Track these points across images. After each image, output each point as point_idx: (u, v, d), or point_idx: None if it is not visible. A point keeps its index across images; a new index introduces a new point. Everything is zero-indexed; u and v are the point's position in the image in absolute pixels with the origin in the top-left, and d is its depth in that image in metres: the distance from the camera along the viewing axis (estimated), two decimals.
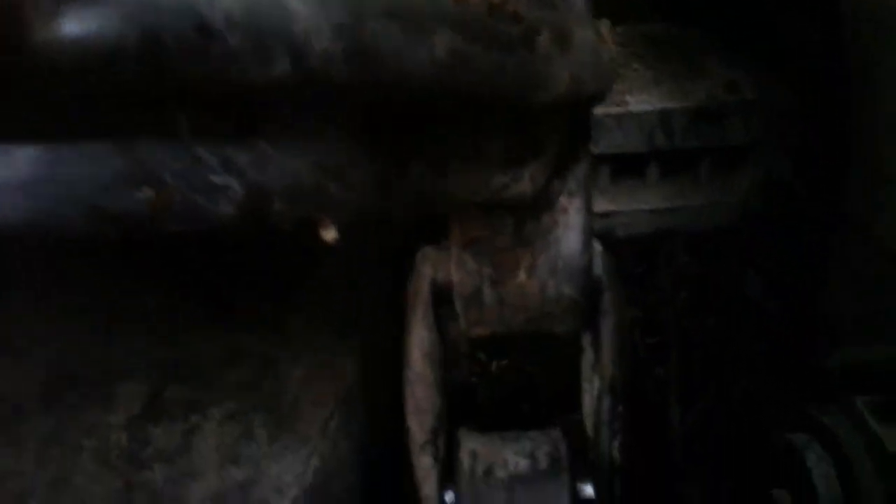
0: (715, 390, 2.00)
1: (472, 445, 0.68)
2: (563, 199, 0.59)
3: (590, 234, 0.60)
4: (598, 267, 0.64)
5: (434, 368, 0.65)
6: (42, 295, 0.54)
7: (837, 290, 1.33)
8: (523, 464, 0.67)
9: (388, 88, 0.38)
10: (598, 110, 1.39)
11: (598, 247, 0.64)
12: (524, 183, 0.54)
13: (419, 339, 0.64)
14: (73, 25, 0.30)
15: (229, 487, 0.60)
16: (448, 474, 0.67)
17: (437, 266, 0.64)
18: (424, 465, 0.65)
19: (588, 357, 0.68)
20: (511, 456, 0.68)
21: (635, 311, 2.20)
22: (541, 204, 0.58)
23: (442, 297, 0.64)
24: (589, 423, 0.68)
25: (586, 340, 0.68)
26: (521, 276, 0.60)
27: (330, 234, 0.42)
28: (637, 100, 1.44)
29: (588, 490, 0.68)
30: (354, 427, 0.66)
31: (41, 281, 0.54)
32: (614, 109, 1.41)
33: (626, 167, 1.40)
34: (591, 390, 0.68)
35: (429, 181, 0.48)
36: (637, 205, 1.46)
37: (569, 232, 0.59)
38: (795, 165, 1.41)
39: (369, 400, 0.69)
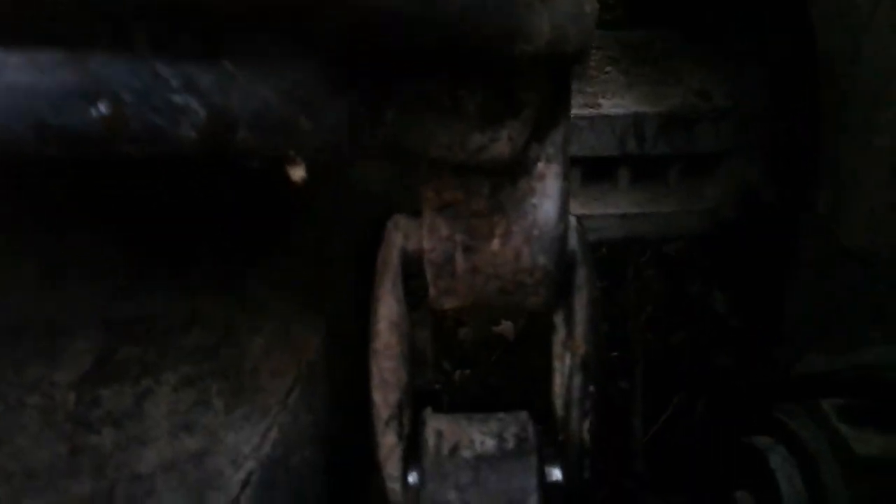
0: (679, 403, 2.01)
1: (437, 425, 0.66)
2: (540, 165, 0.57)
3: (567, 202, 0.59)
4: (573, 241, 0.63)
5: (401, 340, 0.62)
6: None
7: (803, 295, 1.34)
8: (490, 444, 0.65)
9: (360, 13, 0.36)
10: (572, 111, 1.39)
11: (573, 220, 0.63)
12: (502, 144, 0.52)
13: (387, 310, 0.62)
14: None
15: (182, 456, 0.57)
16: (412, 454, 0.64)
17: (408, 234, 0.61)
18: (388, 443, 0.63)
19: (560, 334, 0.66)
20: (477, 436, 0.65)
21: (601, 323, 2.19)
22: (518, 169, 0.56)
23: (411, 266, 0.62)
24: (559, 404, 0.66)
25: (558, 318, 0.66)
26: (495, 243, 0.58)
27: (298, 173, 0.40)
28: (610, 103, 1.44)
29: (556, 473, 0.66)
30: (316, 402, 0.63)
31: None
32: (587, 111, 1.41)
33: (597, 171, 1.39)
34: (562, 369, 0.66)
35: (403, 129, 0.46)
36: (608, 209, 1.46)
37: (545, 199, 0.58)
38: (765, 172, 1.42)
39: (332, 375, 0.66)
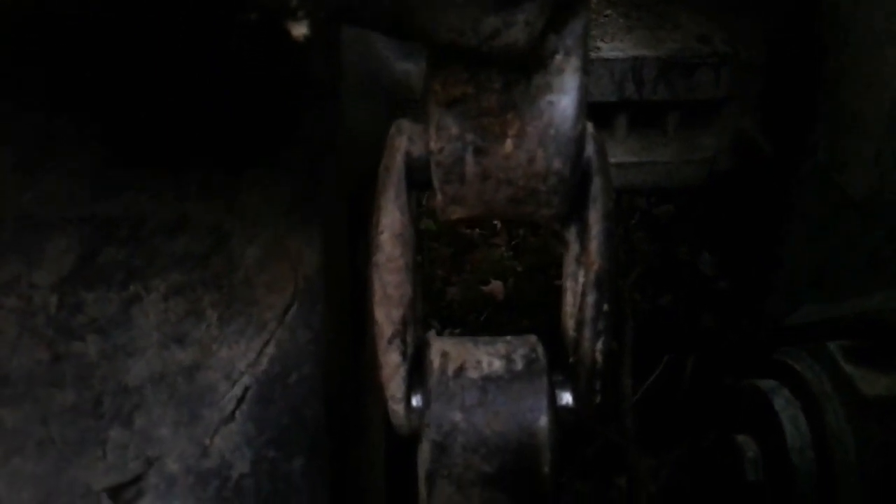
0: (668, 363, 2.00)
1: (442, 346, 0.62)
2: (558, 58, 0.53)
3: (585, 101, 0.55)
4: (590, 147, 0.59)
5: (406, 253, 0.58)
6: None
7: (800, 245, 1.32)
8: (498, 364, 0.61)
9: None
10: None
11: (590, 126, 0.59)
12: (517, 29, 0.48)
13: (390, 221, 0.58)
14: None
15: (173, 369, 0.53)
16: (416, 375, 0.61)
17: (413, 139, 0.57)
18: (391, 362, 0.59)
19: (572, 251, 0.62)
20: (485, 357, 0.62)
21: None
22: (533, 62, 0.52)
23: (416, 174, 0.58)
24: (570, 324, 0.62)
25: (571, 233, 0.63)
26: (508, 144, 0.54)
27: (300, 30, 0.36)
28: (609, 46, 1.40)
29: (567, 397, 0.62)
30: (315, 319, 0.59)
31: None
32: None
33: (594, 118, 1.36)
34: (575, 287, 0.62)
35: (411, 1, 0.42)
36: None
37: (563, 96, 0.54)
38: (763, 121, 1.40)
39: (332, 293, 0.62)
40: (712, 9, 1.42)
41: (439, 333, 2.30)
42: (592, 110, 1.39)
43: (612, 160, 1.44)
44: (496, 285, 2.37)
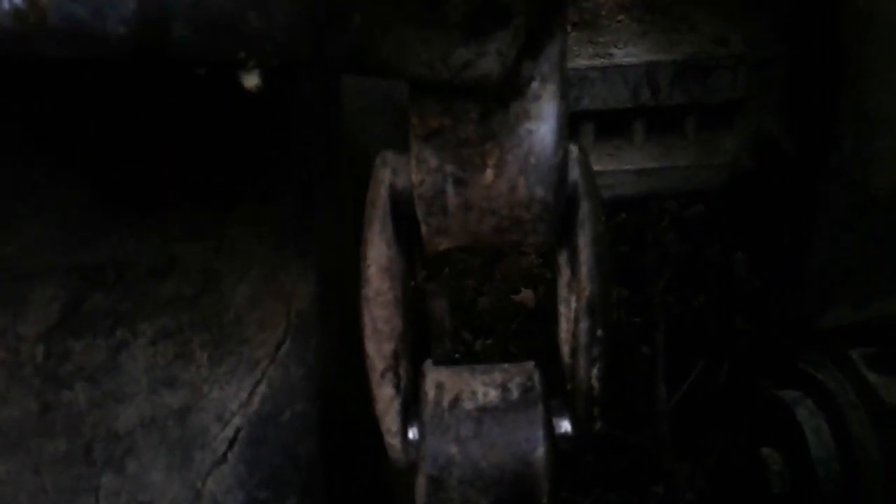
0: (702, 368, 1.96)
1: (437, 377, 0.62)
2: (535, 85, 0.52)
3: (565, 127, 0.54)
4: (575, 171, 0.58)
5: (394, 285, 0.58)
6: None
7: (827, 246, 1.29)
8: (493, 394, 0.60)
9: None
10: (582, 62, 1.34)
11: (574, 149, 0.58)
12: (490, 59, 0.47)
13: (376, 254, 0.57)
14: None
15: (163, 413, 0.54)
16: (412, 408, 0.61)
17: (397, 170, 0.57)
18: (385, 396, 0.59)
19: (564, 276, 0.61)
20: (480, 387, 0.61)
21: (621, 289, 2.17)
22: (509, 90, 0.51)
23: (402, 207, 0.58)
24: (565, 350, 0.62)
25: (562, 259, 0.62)
26: (489, 174, 0.54)
27: (252, 81, 0.36)
28: (623, 52, 1.39)
29: (565, 424, 0.61)
30: (309, 354, 0.59)
31: None
32: (598, 62, 1.36)
33: (610, 125, 1.34)
34: (568, 313, 0.61)
35: (373, 39, 0.42)
36: (622, 165, 1.41)
37: (542, 124, 0.53)
38: (784, 120, 1.37)
39: (326, 326, 0.62)
40: (729, 9, 1.39)
41: (471, 344, 2.29)
42: (609, 117, 1.37)
43: (632, 167, 1.42)
44: (527, 294, 2.36)
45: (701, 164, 1.43)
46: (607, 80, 1.35)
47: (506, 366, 0.63)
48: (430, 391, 0.59)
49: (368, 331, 0.58)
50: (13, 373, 0.51)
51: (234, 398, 0.55)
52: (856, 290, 1.17)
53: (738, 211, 1.77)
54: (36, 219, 0.50)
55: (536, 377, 0.61)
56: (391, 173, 0.57)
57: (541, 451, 0.57)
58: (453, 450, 0.57)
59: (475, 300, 2.33)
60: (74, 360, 0.52)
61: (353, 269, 0.66)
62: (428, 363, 0.63)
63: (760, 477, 1.00)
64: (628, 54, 1.38)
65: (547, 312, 2.27)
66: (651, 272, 2.09)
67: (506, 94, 0.51)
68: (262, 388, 0.56)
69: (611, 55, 1.39)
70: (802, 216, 1.34)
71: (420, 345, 0.62)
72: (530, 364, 0.63)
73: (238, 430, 0.55)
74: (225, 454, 0.54)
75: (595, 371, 0.58)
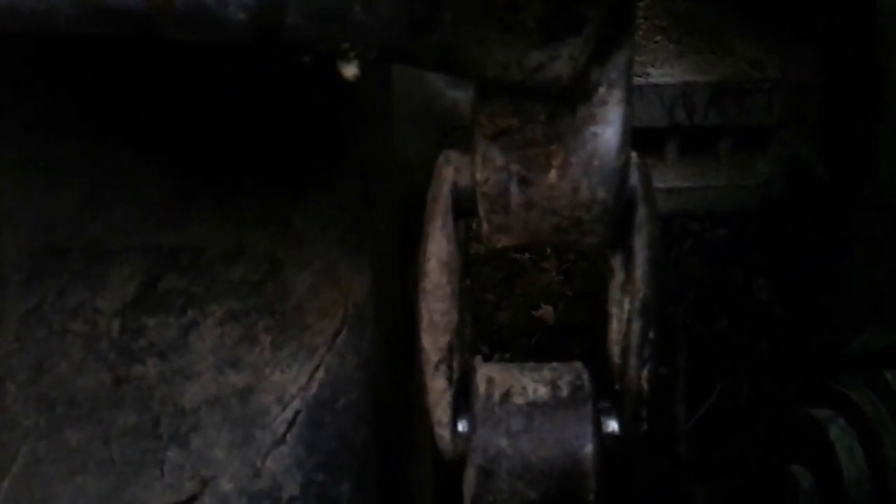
0: (721, 390, 1.96)
1: (488, 372, 0.63)
2: (602, 91, 0.54)
3: (629, 131, 0.55)
4: (635, 176, 0.59)
5: (452, 280, 0.59)
6: (27, 148, 0.49)
7: (859, 272, 1.29)
8: (543, 391, 0.62)
9: None
10: None
11: (635, 155, 0.60)
12: (561, 63, 0.49)
13: (437, 249, 0.59)
14: None
15: (227, 392, 0.55)
16: (462, 401, 0.62)
17: (460, 169, 0.59)
18: (438, 387, 0.60)
19: (618, 278, 0.63)
20: (530, 383, 0.62)
21: None
22: (577, 94, 0.53)
23: (463, 203, 0.59)
24: (616, 351, 0.63)
25: (616, 261, 0.63)
26: (552, 175, 0.55)
27: (351, 70, 0.38)
28: (659, 72, 1.40)
29: (613, 424, 0.62)
30: (364, 345, 0.61)
31: (24, 130, 0.49)
32: (635, 80, 1.38)
33: (644, 143, 1.36)
34: (620, 314, 0.62)
35: (459, 38, 0.44)
36: (654, 183, 1.42)
37: (606, 128, 0.54)
38: (818, 145, 1.38)
39: (380, 320, 0.64)
40: (766, 34, 1.41)
41: (489, 358, 2.30)
42: (642, 136, 1.39)
43: (663, 185, 1.44)
44: (546, 310, 2.36)
45: (732, 185, 1.44)
46: (643, 99, 1.37)
47: (555, 364, 0.64)
48: (481, 385, 0.60)
49: (425, 323, 0.60)
50: (90, 345, 0.53)
51: (294, 382, 0.57)
52: (888, 316, 1.18)
53: (765, 235, 1.77)
54: (121, 200, 0.52)
55: (585, 376, 0.63)
56: (454, 171, 0.59)
57: (589, 448, 0.58)
58: (503, 442, 0.58)
59: (494, 314, 2.33)
60: (147, 336, 0.54)
61: (403, 268, 0.68)
62: (478, 359, 0.65)
63: (789, 495, 1.00)
64: (664, 74, 1.39)
65: (566, 329, 2.27)
66: (673, 293, 2.09)
67: (574, 98, 0.53)
68: (321, 373, 0.58)
69: (647, 74, 1.40)
70: (834, 242, 1.34)
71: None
72: (579, 364, 0.64)
73: (297, 413, 0.57)
74: (284, 435, 0.56)
75: (645, 372, 0.60)
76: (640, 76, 1.40)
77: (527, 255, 2.48)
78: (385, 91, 0.73)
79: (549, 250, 2.48)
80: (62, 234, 0.51)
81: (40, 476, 0.51)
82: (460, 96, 1.27)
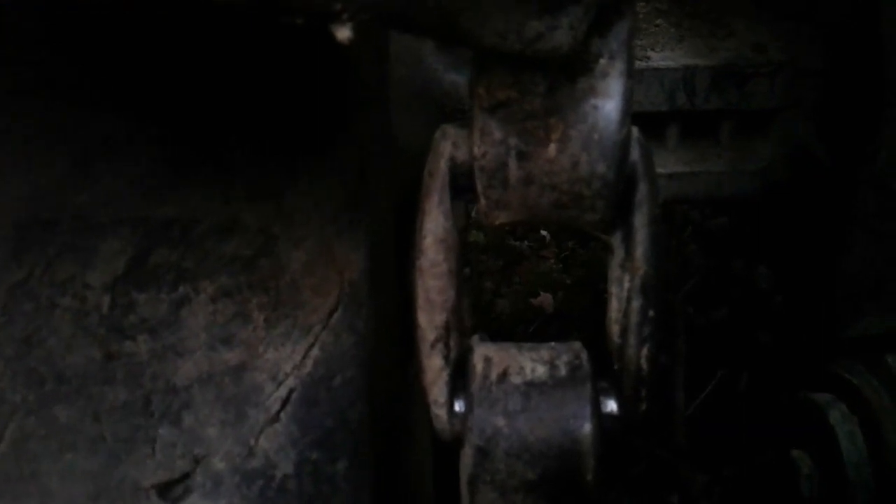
0: (721, 377, 1.95)
1: (485, 351, 0.62)
2: (602, 62, 0.53)
3: (630, 105, 0.54)
4: (635, 152, 0.58)
5: (449, 257, 0.58)
6: (13, 115, 0.48)
7: (859, 256, 1.28)
8: (541, 370, 0.61)
9: None
10: None
11: (636, 131, 0.58)
12: (561, 33, 0.48)
13: (433, 226, 0.58)
14: None
15: (220, 369, 0.54)
16: (459, 381, 0.61)
17: (457, 143, 0.58)
18: (434, 366, 0.59)
19: (618, 256, 0.62)
20: (528, 363, 0.61)
21: None
22: (578, 65, 0.52)
23: (461, 179, 0.58)
24: (615, 330, 0.62)
25: (616, 239, 0.62)
26: (552, 149, 0.54)
27: (344, 33, 0.37)
28: (660, 56, 1.39)
29: (611, 404, 0.62)
30: (360, 323, 0.60)
31: (9, 97, 0.47)
32: (636, 64, 1.36)
33: (645, 128, 1.35)
34: (620, 293, 0.61)
35: (455, 5, 0.43)
36: (655, 169, 1.41)
37: (607, 100, 0.53)
38: (819, 130, 1.37)
39: (376, 298, 0.63)
40: (768, 17, 1.39)
41: None
42: (643, 120, 1.38)
43: (664, 171, 1.42)
44: (545, 298, 2.35)
45: (734, 170, 1.43)
46: (643, 83, 1.35)
47: (553, 344, 0.63)
48: (478, 364, 0.60)
49: (421, 301, 0.59)
50: (79, 321, 0.52)
51: (289, 360, 0.56)
52: (888, 301, 1.17)
53: (766, 222, 1.76)
54: (110, 172, 0.51)
55: (584, 356, 0.62)
56: (451, 146, 0.58)
57: (588, 428, 0.58)
58: (501, 422, 0.58)
59: (493, 302, 2.32)
60: (138, 311, 0.53)
61: (397, 248, 0.66)
62: (475, 338, 0.64)
63: (790, 480, 1.00)
64: (665, 58, 1.38)
65: (565, 317, 2.27)
66: (673, 280, 2.08)
67: (574, 70, 0.52)
68: (315, 351, 0.57)
69: (648, 58, 1.39)
70: (835, 226, 1.34)
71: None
72: (577, 344, 0.63)
73: (291, 391, 0.56)
74: (278, 413, 0.55)
75: (645, 351, 0.59)
76: (640, 60, 1.39)
77: (526, 243, 2.47)
78: (381, 71, 0.72)
79: (548, 238, 2.46)
80: (49, 205, 0.50)
81: (29, 453, 0.50)
82: (459, 79, 1.26)
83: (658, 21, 1.47)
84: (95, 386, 0.52)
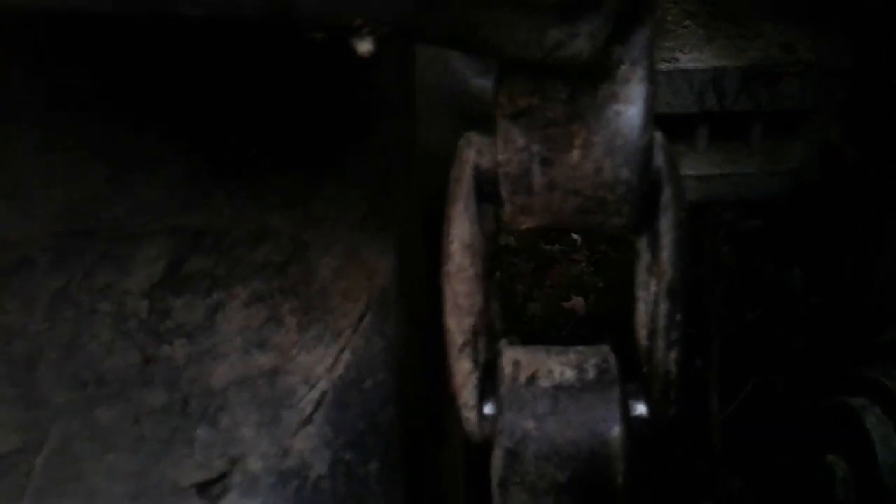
0: (756, 382, 1.93)
1: (514, 355, 0.63)
2: (624, 68, 0.53)
3: (652, 110, 0.55)
4: (659, 157, 0.59)
5: (475, 262, 0.59)
6: (50, 129, 0.50)
7: (890, 258, 1.27)
8: (570, 374, 0.61)
9: None
10: None
11: (659, 136, 0.59)
12: (581, 41, 0.49)
13: (460, 231, 0.59)
14: None
15: (254, 372, 0.56)
16: (488, 384, 0.62)
17: (482, 150, 0.59)
18: (463, 370, 0.60)
19: (644, 260, 0.62)
20: (557, 366, 0.62)
21: None
22: (599, 71, 0.53)
23: (486, 186, 0.59)
24: (643, 334, 0.62)
25: (642, 244, 0.62)
26: (575, 155, 0.55)
27: (365, 47, 0.38)
28: (689, 57, 1.39)
29: (640, 407, 0.62)
30: (389, 328, 0.61)
31: (46, 111, 0.50)
32: (664, 66, 1.36)
33: (674, 130, 1.34)
34: (647, 296, 0.62)
35: (475, 15, 0.44)
36: (685, 171, 1.41)
37: (629, 106, 0.54)
38: (851, 130, 1.35)
39: (405, 303, 0.64)
40: (797, 17, 1.38)
41: None
42: (672, 122, 1.38)
43: (694, 173, 1.42)
44: (577, 301, 2.34)
45: (765, 171, 1.42)
46: (672, 85, 1.35)
47: (581, 348, 0.64)
48: (507, 367, 0.60)
49: (449, 306, 0.60)
50: (118, 326, 0.54)
51: (321, 363, 0.57)
52: None
53: (798, 223, 1.74)
54: (146, 183, 0.53)
55: (612, 359, 0.62)
56: (476, 153, 0.59)
57: (617, 430, 0.58)
58: (530, 425, 0.58)
59: (525, 306, 2.32)
60: (174, 317, 0.55)
61: (429, 254, 0.68)
62: (503, 342, 0.65)
63: (825, 484, 0.99)
64: (694, 59, 1.37)
65: (597, 320, 2.26)
66: (706, 283, 2.07)
67: (595, 76, 0.53)
68: (346, 355, 0.58)
69: (676, 60, 1.39)
70: (867, 227, 1.32)
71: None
72: (606, 347, 0.64)
73: (324, 394, 0.57)
74: (311, 415, 0.56)
75: (673, 354, 0.59)
76: (668, 62, 1.39)
77: (557, 246, 2.47)
78: (407, 78, 0.73)
79: (579, 241, 2.46)
80: (86, 215, 0.52)
81: (73, 454, 0.52)
82: (486, 85, 1.27)
83: (686, 22, 1.47)
84: (135, 389, 0.54)
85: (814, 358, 1.69)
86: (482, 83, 1.28)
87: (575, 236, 2.48)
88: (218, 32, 0.47)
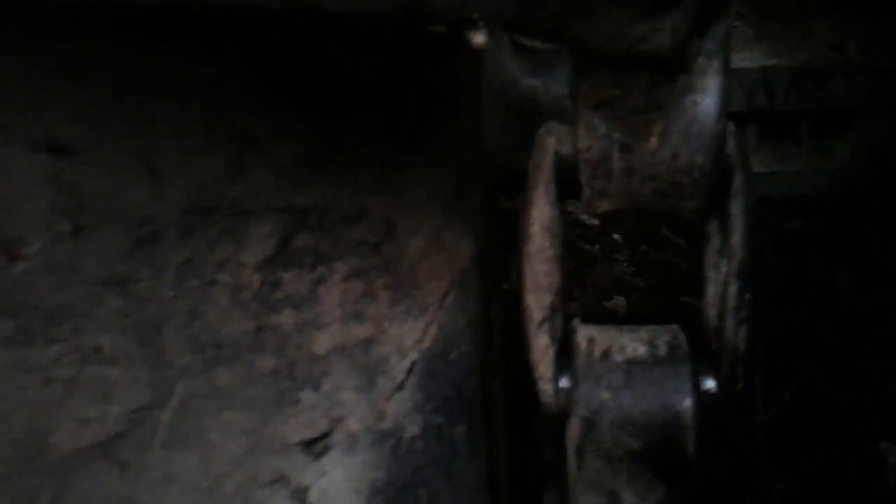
0: (801, 382, 1.94)
1: (588, 332, 0.67)
2: (700, 61, 0.57)
3: (727, 100, 0.59)
4: (731, 144, 0.62)
5: (554, 243, 0.63)
6: (185, 116, 0.56)
7: None
8: (642, 350, 0.65)
9: None
10: None
11: (731, 125, 0.63)
12: (664, 34, 0.53)
13: (540, 214, 0.63)
14: None
15: (352, 342, 0.61)
16: (564, 359, 0.66)
17: (562, 138, 0.63)
18: (541, 344, 0.64)
19: (714, 242, 0.66)
20: (629, 342, 0.66)
21: None
22: (677, 64, 0.56)
23: (565, 171, 0.63)
24: (712, 313, 0.66)
25: (713, 227, 0.66)
26: (653, 142, 0.59)
27: (479, 38, 0.42)
28: (739, 57, 1.41)
29: (710, 383, 0.65)
30: (471, 306, 0.66)
31: (184, 99, 0.55)
32: None
33: None
34: (717, 277, 0.65)
35: (570, 11, 0.48)
36: None
37: (705, 96, 0.58)
38: None
39: (483, 285, 0.69)
40: (847, 16, 1.40)
41: None
42: None
43: None
44: (618, 301, 2.35)
45: (813, 170, 1.43)
46: None
47: (651, 326, 0.68)
48: (582, 343, 0.64)
49: (529, 284, 0.64)
50: (235, 296, 0.59)
51: (410, 335, 0.62)
52: None
53: (845, 224, 1.75)
54: (259, 166, 0.58)
55: (682, 337, 0.66)
56: (556, 141, 0.63)
57: (688, 402, 0.62)
58: (605, 395, 0.62)
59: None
60: (283, 288, 0.60)
61: (496, 239, 0.72)
62: (577, 320, 0.69)
63: (876, 472, 1.01)
64: (744, 59, 1.40)
65: (638, 320, 2.27)
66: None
67: (674, 68, 0.57)
68: (433, 329, 0.63)
69: None
70: None
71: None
72: (675, 326, 0.67)
73: (414, 363, 0.62)
74: (403, 382, 0.61)
75: (742, 332, 0.62)
76: None
77: (597, 245, 2.49)
78: (477, 79, 0.78)
79: (620, 241, 2.47)
80: (210, 194, 0.58)
81: (194, 410, 0.58)
82: (537, 84, 1.30)
83: (736, 23, 1.49)
84: (249, 353, 0.59)
85: (859, 357, 1.70)
86: (532, 82, 1.31)
87: (616, 236, 2.49)
88: (336, 28, 0.52)
